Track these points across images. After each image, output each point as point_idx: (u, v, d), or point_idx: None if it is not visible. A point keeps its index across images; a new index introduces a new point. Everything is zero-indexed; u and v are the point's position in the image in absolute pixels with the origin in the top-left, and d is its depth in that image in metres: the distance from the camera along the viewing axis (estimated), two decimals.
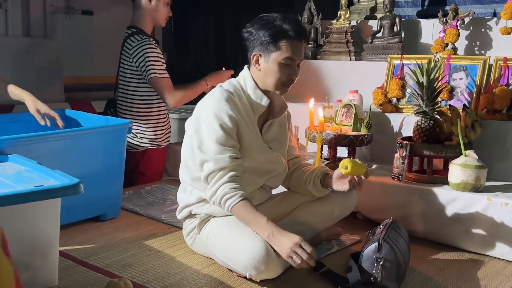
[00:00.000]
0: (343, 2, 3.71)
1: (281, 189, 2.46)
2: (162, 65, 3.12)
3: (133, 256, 2.23)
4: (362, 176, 2.17)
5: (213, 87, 2.60)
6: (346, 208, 2.46)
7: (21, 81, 4.08)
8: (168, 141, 3.39)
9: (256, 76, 2.20)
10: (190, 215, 2.26)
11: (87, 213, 2.55)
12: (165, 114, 3.31)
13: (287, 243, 1.93)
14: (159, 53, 3.14)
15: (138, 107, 3.19)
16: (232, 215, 2.13)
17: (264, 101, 2.21)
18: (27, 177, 1.93)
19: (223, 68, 3.22)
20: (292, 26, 2.12)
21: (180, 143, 3.45)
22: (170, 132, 3.39)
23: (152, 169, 3.33)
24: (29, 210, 1.74)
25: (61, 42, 4.42)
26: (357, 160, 2.22)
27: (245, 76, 2.24)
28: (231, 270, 2.10)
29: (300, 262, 1.91)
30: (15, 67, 4.13)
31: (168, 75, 3.14)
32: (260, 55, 2.14)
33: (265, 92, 2.22)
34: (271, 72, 2.14)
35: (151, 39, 3.15)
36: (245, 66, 2.28)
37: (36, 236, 1.81)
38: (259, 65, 2.16)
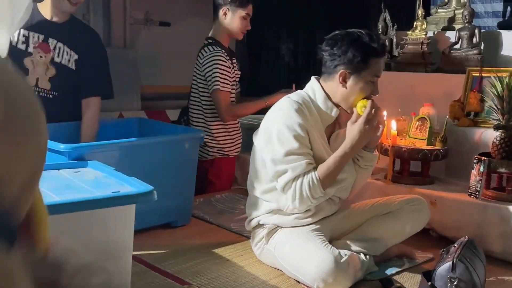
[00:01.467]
0: (420, 12, 3.64)
1: None
2: (227, 79, 3.14)
3: (203, 264, 2.26)
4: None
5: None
6: (418, 224, 2.40)
7: None
8: (238, 151, 3.42)
9: (334, 91, 2.19)
10: (258, 225, 2.28)
11: (159, 220, 2.60)
12: (235, 124, 3.33)
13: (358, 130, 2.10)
14: (228, 67, 3.16)
15: (209, 117, 3.24)
16: (299, 226, 2.15)
17: (334, 112, 2.21)
18: (104, 183, 1.99)
19: (294, 86, 3.20)
20: (378, 44, 2.14)
21: (247, 152, 3.49)
22: (240, 142, 3.41)
23: (221, 178, 3.36)
24: (106, 215, 1.79)
25: (139, 52, 4.55)
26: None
27: (314, 88, 2.24)
28: (299, 282, 2.10)
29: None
30: None
31: (229, 90, 3.16)
32: (349, 73, 2.14)
33: (335, 104, 2.22)
34: (358, 90, 2.16)
35: (224, 51, 3.18)
36: (313, 78, 2.29)
37: (111, 240, 1.85)
38: (345, 82, 2.16)
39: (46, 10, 2.77)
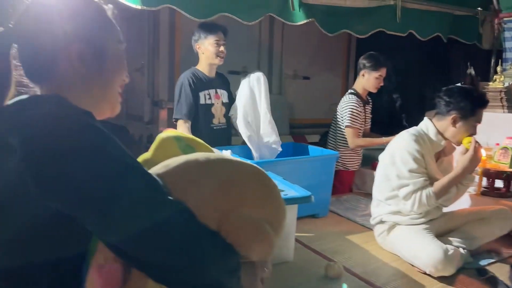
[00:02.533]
0: (499, 69, 3.26)
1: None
2: (357, 120, 3.00)
3: (340, 246, 2.14)
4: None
5: None
6: (504, 228, 2.11)
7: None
8: (357, 167, 3.23)
9: (444, 129, 2.02)
10: (381, 222, 2.11)
11: (307, 211, 2.51)
12: (358, 150, 3.15)
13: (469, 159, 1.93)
14: (360, 111, 3.02)
15: (339, 143, 3.11)
16: (413, 224, 1.97)
17: (443, 143, 2.03)
18: (279, 188, 1.95)
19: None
20: (483, 99, 2.00)
21: (365, 167, 3.31)
22: (359, 161, 3.23)
23: (343, 184, 3.19)
24: None
25: (289, 97, 4.54)
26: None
27: (427, 125, 2.06)
28: (413, 265, 1.91)
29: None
30: None
31: (357, 126, 3.01)
32: (459, 118, 1.98)
33: (444, 137, 2.02)
34: (464, 130, 1.99)
35: (359, 100, 3.04)
36: (425, 117, 2.10)
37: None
38: (455, 124, 1.98)
39: (205, 70, 2.74)
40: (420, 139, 1.99)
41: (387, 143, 2.23)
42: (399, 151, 1.98)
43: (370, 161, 3.26)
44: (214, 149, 1.59)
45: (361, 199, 2.95)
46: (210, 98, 2.77)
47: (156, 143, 1.01)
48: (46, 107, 0.75)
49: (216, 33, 2.61)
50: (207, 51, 2.66)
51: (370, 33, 3.27)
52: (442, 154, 2.12)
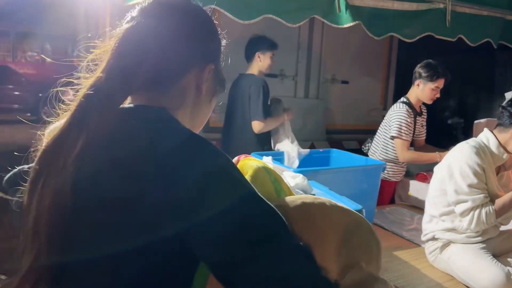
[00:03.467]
0: None
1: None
2: (405, 130, 2.80)
3: (388, 263, 2.02)
4: None
5: None
6: None
7: (303, 127, 4.24)
8: (399, 178, 3.07)
9: (506, 140, 1.89)
10: (433, 239, 1.99)
11: None
12: (402, 162, 2.95)
13: None
14: (410, 122, 2.82)
15: (384, 151, 2.97)
16: (469, 243, 1.83)
17: (505, 156, 1.89)
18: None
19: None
20: None
21: (407, 177, 3.16)
22: (403, 173, 3.06)
23: (382, 195, 2.98)
24: None
25: (327, 101, 4.44)
26: None
27: (488, 136, 1.92)
28: (469, 287, 1.78)
29: None
30: (298, 118, 4.26)
31: (406, 138, 2.80)
32: None
33: (506, 150, 1.87)
34: None
35: (411, 111, 2.85)
36: (485, 129, 1.96)
37: None
38: None
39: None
40: (481, 151, 1.86)
41: (440, 159, 2.10)
42: (458, 163, 1.85)
43: (416, 171, 3.11)
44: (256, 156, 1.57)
45: (406, 211, 2.82)
46: None
47: (250, 174, 0.97)
48: (181, 135, 0.74)
49: (274, 49, 2.98)
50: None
51: (418, 37, 3.11)
52: (502, 168, 1.98)
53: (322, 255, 0.72)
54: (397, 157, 2.89)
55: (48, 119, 0.82)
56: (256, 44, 2.97)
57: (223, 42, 0.94)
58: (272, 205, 0.68)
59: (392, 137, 2.83)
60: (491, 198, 1.84)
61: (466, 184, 1.81)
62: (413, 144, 3.12)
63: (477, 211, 1.79)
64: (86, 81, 0.74)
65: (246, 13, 2.51)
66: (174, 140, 0.71)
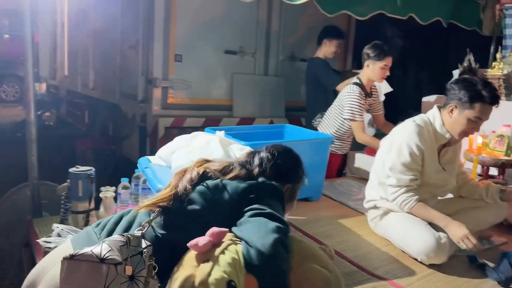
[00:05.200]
0: (498, 56, 3.21)
1: None
2: (358, 111, 2.90)
3: (332, 230, 2.13)
4: None
5: None
6: (498, 217, 2.11)
7: (263, 104, 4.28)
8: (345, 152, 3.19)
9: (445, 119, 1.94)
10: (375, 207, 2.10)
11: (301, 195, 2.44)
12: (347, 134, 3.07)
13: (460, 231, 1.75)
14: (361, 104, 2.91)
15: (333, 126, 3.06)
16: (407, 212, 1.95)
17: (448, 135, 1.95)
18: None
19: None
20: (490, 93, 1.82)
21: (356, 151, 3.29)
22: (348, 147, 3.19)
23: (329, 168, 2.99)
24: None
25: (286, 79, 4.48)
26: None
27: (434, 115, 1.98)
28: (404, 252, 1.90)
29: (466, 247, 1.73)
30: (257, 95, 4.30)
31: (360, 119, 2.91)
32: (456, 107, 1.89)
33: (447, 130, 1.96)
34: (460, 123, 1.89)
35: (362, 92, 2.94)
36: (435, 106, 2.02)
37: None
38: (452, 113, 1.91)
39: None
40: (425, 130, 1.92)
41: None
42: (398, 140, 1.93)
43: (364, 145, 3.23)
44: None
45: (354, 183, 2.94)
46: None
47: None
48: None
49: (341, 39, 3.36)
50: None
51: (370, 15, 3.18)
52: (447, 144, 2.03)
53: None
54: (344, 133, 3.03)
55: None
56: (325, 31, 3.60)
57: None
58: None
59: (346, 119, 2.94)
60: (426, 180, 1.94)
61: (400, 162, 1.89)
62: (374, 121, 3.24)
63: (400, 192, 1.88)
64: None
65: None
66: None
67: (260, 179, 1.38)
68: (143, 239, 1.13)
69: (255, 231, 1.19)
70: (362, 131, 2.94)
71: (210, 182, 1.33)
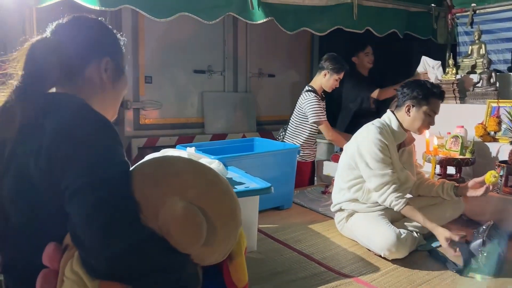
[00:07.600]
0: (450, 62, 3.41)
1: None
2: (320, 111, 3.10)
3: (302, 235, 2.22)
4: (491, 186, 2.04)
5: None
6: (456, 212, 2.24)
7: (234, 119, 4.37)
8: (313, 158, 3.33)
9: (402, 119, 2.11)
10: (340, 210, 2.20)
11: (272, 204, 2.59)
12: (313, 141, 3.25)
13: (446, 232, 1.88)
14: (320, 105, 3.12)
15: (297, 135, 3.20)
16: (370, 211, 2.07)
17: (404, 135, 2.13)
18: (240, 181, 1.99)
19: None
20: (438, 90, 2.07)
21: (327, 160, 3.43)
22: (315, 154, 3.34)
23: (301, 176, 3.20)
24: (242, 201, 1.78)
25: (255, 95, 4.61)
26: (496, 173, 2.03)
27: (389, 117, 2.14)
28: (369, 250, 2.01)
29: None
30: (228, 112, 4.39)
31: (325, 119, 3.11)
32: (412, 105, 2.07)
33: (405, 129, 2.12)
34: (419, 119, 2.07)
35: (317, 96, 3.14)
36: (388, 110, 2.18)
37: (245, 217, 1.85)
38: (409, 112, 2.08)
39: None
40: (384, 131, 2.07)
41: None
42: (365, 142, 2.05)
43: (330, 153, 3.37)
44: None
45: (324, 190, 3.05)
46: None
47: None
48: (78, 103, 0.99)
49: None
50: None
51: (328, 31, 3.36)
52: (402, 145, 2.18)
53: (145, 188, 0.95)
54: (308, 139, 3.19)
55: None
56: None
57: (122, 42, 1.17)
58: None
59: (315, 122, 3.09)
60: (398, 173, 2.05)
61: (375, 160, 2.00)
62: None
63: (388, 191, 1.98)
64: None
65: (161, 11, 2.60)
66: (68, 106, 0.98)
67: None
68: None
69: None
70: (331, 130, 3.12)
71: None
